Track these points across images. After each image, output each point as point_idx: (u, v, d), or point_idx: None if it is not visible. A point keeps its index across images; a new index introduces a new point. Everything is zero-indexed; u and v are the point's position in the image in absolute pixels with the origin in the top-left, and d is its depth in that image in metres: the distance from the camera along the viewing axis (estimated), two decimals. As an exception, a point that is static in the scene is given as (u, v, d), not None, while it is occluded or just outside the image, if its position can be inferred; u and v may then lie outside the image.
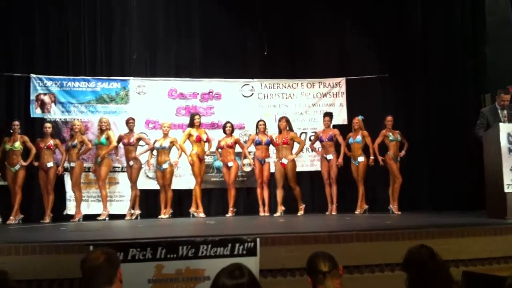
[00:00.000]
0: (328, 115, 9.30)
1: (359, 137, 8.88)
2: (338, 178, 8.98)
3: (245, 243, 4.49)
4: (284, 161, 8.79)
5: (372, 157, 8.77)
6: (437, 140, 9.33)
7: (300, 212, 8.82)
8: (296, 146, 9.01)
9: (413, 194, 9.25)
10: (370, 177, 8.96)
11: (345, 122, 9.78)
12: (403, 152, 8.89)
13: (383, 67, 9.89)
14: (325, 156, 9.02)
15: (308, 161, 9.91)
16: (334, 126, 9.38)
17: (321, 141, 9.16)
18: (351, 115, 9.57)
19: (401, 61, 9.75)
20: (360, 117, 8.99)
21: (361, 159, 8.79)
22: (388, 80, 9.84)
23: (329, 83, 10.12)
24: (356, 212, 8.70)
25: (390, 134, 8.81)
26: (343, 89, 10.06)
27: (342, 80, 10.05)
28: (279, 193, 8.92)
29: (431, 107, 9.54)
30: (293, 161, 8.84)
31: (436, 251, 2.89)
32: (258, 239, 4.52)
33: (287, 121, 8.94)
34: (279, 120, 9.02)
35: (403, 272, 2.94)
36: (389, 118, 8.87)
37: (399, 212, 8.53)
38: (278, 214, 8.78)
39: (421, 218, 7.10)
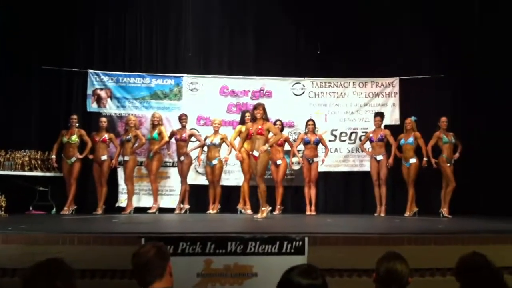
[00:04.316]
0: (379, 115, 9.19)
1: (411, 139, 8.72)
2: (388, 180, 8.88)
3: (293, 241, 4.50)
4: (256, 153, 7.49)
5: (425, 159, 8.59)
6: (492, 143, 9.00)
7: (262, 215, 7.43)
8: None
9: (465, 198, 8.97)
10: (420, 179, 8.77)
11: (397, 123, 9.62)
12: (457, 155, 8.67)
13: (438, 67, 9.67)
14: (375, 156, 8.92)
15: (357, 162, 9.80)
16: (386, 127, 9.27)
17: (371, 141, 9.07)
18: (403, 115, 9.41)
19: (457, 61, 9.48)
20: (413, 118, 8.83)
21: (412, 160, 8.63)
22: (443, 80, 9.60)
23: (382, 83, 9.97)
24: (405, 215, 8.55)
25: (444, 136, 8.61)
26: (396, 89, 9.89)
27: (396, 80, 9.89)
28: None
29: (488, 108, 9.22)
30: (266, 154, 7.50)
31: (490, 258, 2.82)
32: (306, 238, 4.52)
33: (264, 109, 7.63)
34: (255, 108, 7.66)
35: (455, 278, 2.88)
36: (444, 119, 8.67)
37: (450, 216, 8.32)
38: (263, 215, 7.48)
39: (473, 223, 6.92)
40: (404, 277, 2.70)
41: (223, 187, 9.21)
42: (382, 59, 9.89)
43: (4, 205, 7.46)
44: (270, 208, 7.94)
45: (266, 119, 7.66)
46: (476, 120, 9.29)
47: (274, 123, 9.12)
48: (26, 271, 2.20)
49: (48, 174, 8.78)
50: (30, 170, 8.65)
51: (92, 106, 9.59)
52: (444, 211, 8.45)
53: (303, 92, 10.01)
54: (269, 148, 7.69)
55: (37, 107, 9.33)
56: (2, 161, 8.36)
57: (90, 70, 9.59)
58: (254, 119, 7.65)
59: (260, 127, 7.49)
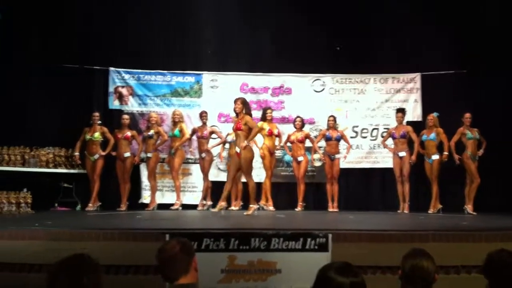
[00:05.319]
0: (401, 111, 9.10)
1: (433, 134, 8.64)
2: (411, 176, 8.80)
3: (316, 238, 4.49)
4: (237, 149, 7.32)
5: (445, 153, 8.49)
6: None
7: (248, 212, 7.33)
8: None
9: (489, 195, 8.86)
10: (444, 176, 8.69)
11: (420, 119, 9.54)
12: (481, 151, 8.55)
13: (460, 62, 9.54)
14: (397, 153, 8.84)
15: (380, 158, 9.74)
16: (408, 123, 9.17)
17: (393, 138, 8.99)
18: (425, 111, 9.33)
19: (480, 57, 9.34)
20: (435, 114, 8.74)
21: (435, 157, 8.55)
22: (466, 76, 9.48)
23: (403, 79, 9.90)
24: (429, 212, 8.48)
25: (468, 132, 8.50)
26: (418, 84, 9.81)
27: (417, 76, 9.80)
28: (228, 186, 7.57)
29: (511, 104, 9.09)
30: (247, 151, 7.21)
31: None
32: (330, 235, 4.51)
33: (243, 103, 7.30)
34: (234, 102, 7.39)
35: (480, 275, 2.84)
36: (467, 115, 8.55)
37: (475, 213, 8.22)
38: (216, 209, 7.64)
39: (498, 220, 6.82)
40: (430, 273, 2.67)
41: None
42: (403, 55, 9.82)
43: (30, 201, 7.59)
44: (258, 206, 7.97)
45: (247, 113, 7.29)
46: (499, 116, 9.15)
47: (295, 120, 9.14)
48: (52, 266, 2.18)
49: (72, 171, 8.90)
50: (55, 167, 8.75)
51: (114, 104, 9.69)
52: (469, 208, 8.35)
53: (323, 89, 9.98)
54: (258, 143, 7.58)
55: (60, 105, 9.39)
56: (27, 158, 8.47)
57: (111, 68, 9.68)
58: (236, 115, 7.41)
59: (239, 122, 7.28)
